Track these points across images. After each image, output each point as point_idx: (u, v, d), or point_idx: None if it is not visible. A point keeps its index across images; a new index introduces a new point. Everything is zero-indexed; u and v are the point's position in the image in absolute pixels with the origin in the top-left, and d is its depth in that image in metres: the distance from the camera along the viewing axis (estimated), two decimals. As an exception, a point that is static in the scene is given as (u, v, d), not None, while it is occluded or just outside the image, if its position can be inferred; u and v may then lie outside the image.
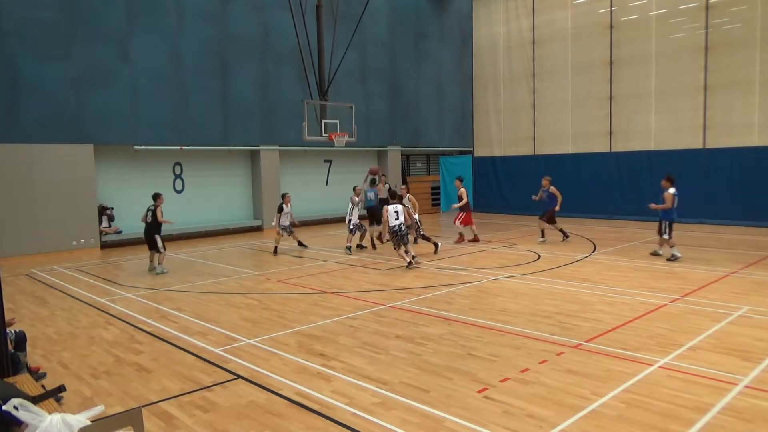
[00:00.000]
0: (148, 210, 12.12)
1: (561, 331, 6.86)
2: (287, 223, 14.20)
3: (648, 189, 13.12)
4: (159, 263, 12.11)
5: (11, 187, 14.20)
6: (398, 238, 11.62)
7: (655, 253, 12.09)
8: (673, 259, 11.34)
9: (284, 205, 14.10)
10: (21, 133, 14.39)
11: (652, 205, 11.67)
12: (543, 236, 14.60)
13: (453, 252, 13.45)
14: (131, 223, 16.94)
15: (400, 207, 11.80)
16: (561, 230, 14.47)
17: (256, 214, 19.97)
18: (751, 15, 16.43)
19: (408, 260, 11.47)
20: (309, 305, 8.65)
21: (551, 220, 14.34)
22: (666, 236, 11.51)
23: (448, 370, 5.68)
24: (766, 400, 4.77)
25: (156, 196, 12.26)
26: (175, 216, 17.63)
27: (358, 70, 22.12)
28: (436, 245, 13.32)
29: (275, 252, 13.92)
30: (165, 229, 17.02)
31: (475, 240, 14.82)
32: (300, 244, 14.76)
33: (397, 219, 11.60)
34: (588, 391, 5.03)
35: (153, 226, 12.04)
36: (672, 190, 11.42)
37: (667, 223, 11.47)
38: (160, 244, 12.01)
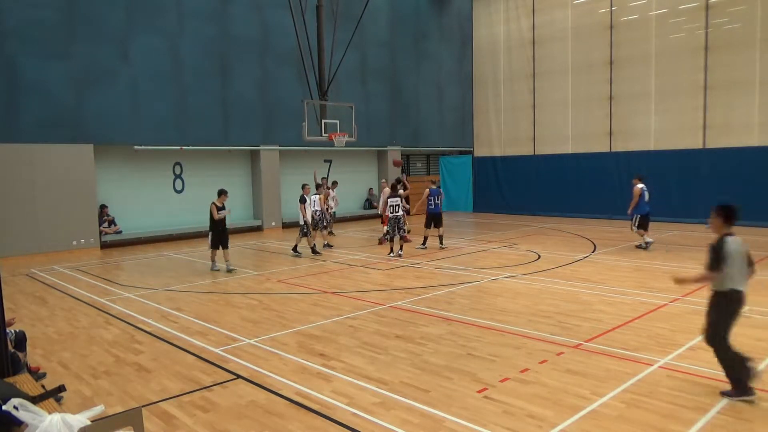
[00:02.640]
0: None
1: (561, 331, 6.87)
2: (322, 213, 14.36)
3: (648, 189, 13.21)
4: (211, 260, 12.18)
5: (11, 187, 14.19)
6: (314, 222, 14.40)
7: (641, 246, 13.08)
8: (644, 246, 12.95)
9: (305, 196, 13.68)
10: (21, 133, 14.38)
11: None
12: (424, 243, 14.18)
13: (453, 252, 13.46)
14: (131, 223, 16.96)
15: (317, 197, 14.48)
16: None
17: (256, 214, 19.97)
18: (751, 15, 16.41)
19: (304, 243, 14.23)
20: (309, 305, 8.66)
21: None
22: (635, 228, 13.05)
23: (448, 370, 5.68)
24: (766, 400, 4.77)
25: (218, 193, 12.13)
26: (174, 216, 17.76)
27: (358, 70, 22.11)
28: (396, 251, 13.10)
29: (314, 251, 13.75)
30: (164, 229, 17.25)
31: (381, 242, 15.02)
32: (326, 245, 14.76)
33: (313, 207, 14.33)
34: (588, 391, 5.04)
35: (210, 221, 11.98)
36: (640, 185, 13.04)
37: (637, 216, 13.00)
38: (209, 238, 12.06)
